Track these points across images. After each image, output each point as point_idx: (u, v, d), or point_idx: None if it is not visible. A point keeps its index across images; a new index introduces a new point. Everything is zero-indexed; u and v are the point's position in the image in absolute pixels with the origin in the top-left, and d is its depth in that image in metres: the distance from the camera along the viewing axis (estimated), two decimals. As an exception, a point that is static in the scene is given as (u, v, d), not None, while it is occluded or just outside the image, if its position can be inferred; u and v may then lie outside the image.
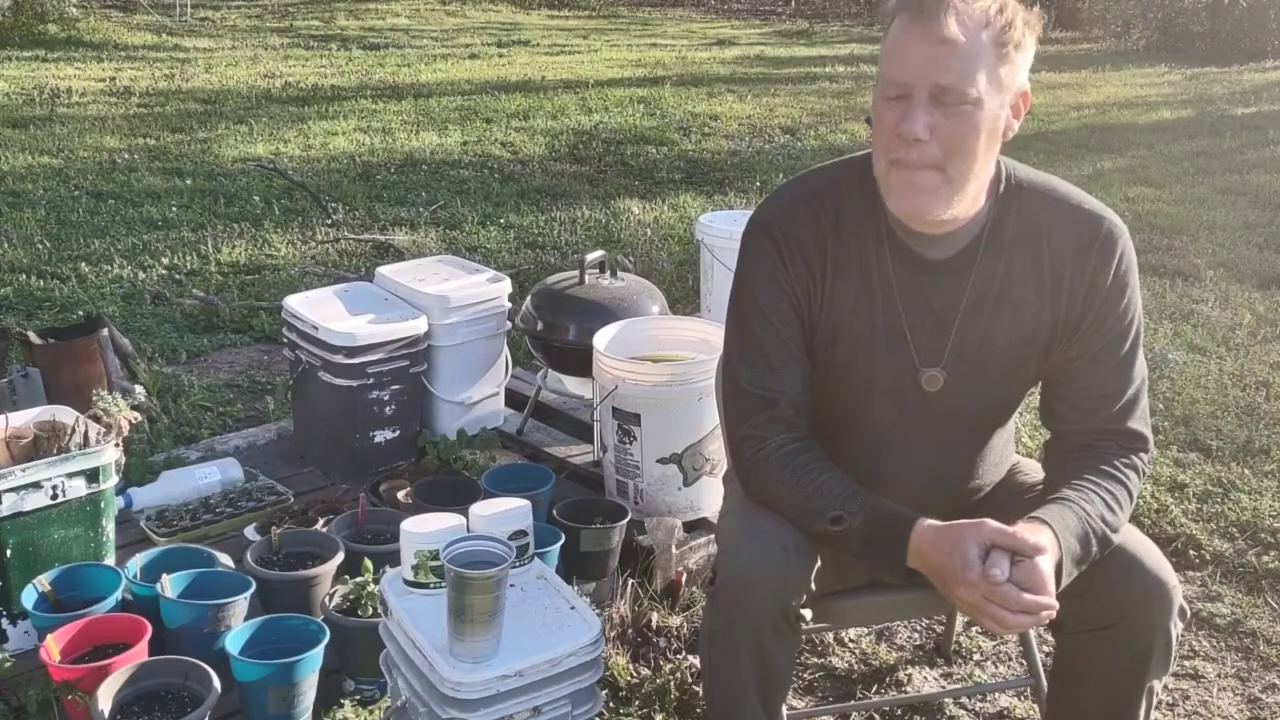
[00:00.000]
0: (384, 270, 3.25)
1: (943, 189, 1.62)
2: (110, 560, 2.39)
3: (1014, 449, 2.00)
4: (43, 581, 2.19)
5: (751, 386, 1.76)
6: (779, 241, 1.75)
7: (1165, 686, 2.43)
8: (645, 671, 2.40)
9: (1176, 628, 1.71)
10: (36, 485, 2.23)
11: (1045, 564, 1.55)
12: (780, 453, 1.75)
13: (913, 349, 1.75)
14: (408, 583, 1.89)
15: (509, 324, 3.24)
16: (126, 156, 7.04)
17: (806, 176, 1.82)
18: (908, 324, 1.74)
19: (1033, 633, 2.25)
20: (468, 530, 1.89)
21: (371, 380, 2.95)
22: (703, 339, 2.87)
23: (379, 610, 2.06)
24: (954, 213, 1.65)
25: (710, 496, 2.77)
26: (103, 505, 2.35)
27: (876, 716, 2.39)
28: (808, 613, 1.76)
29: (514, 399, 3.36)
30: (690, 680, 2.36)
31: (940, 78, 1.57)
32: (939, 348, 1.75)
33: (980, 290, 1.72)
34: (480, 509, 1.91)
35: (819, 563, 1.75)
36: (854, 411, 1.82)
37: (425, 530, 1.88)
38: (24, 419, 2.43)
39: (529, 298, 3.24)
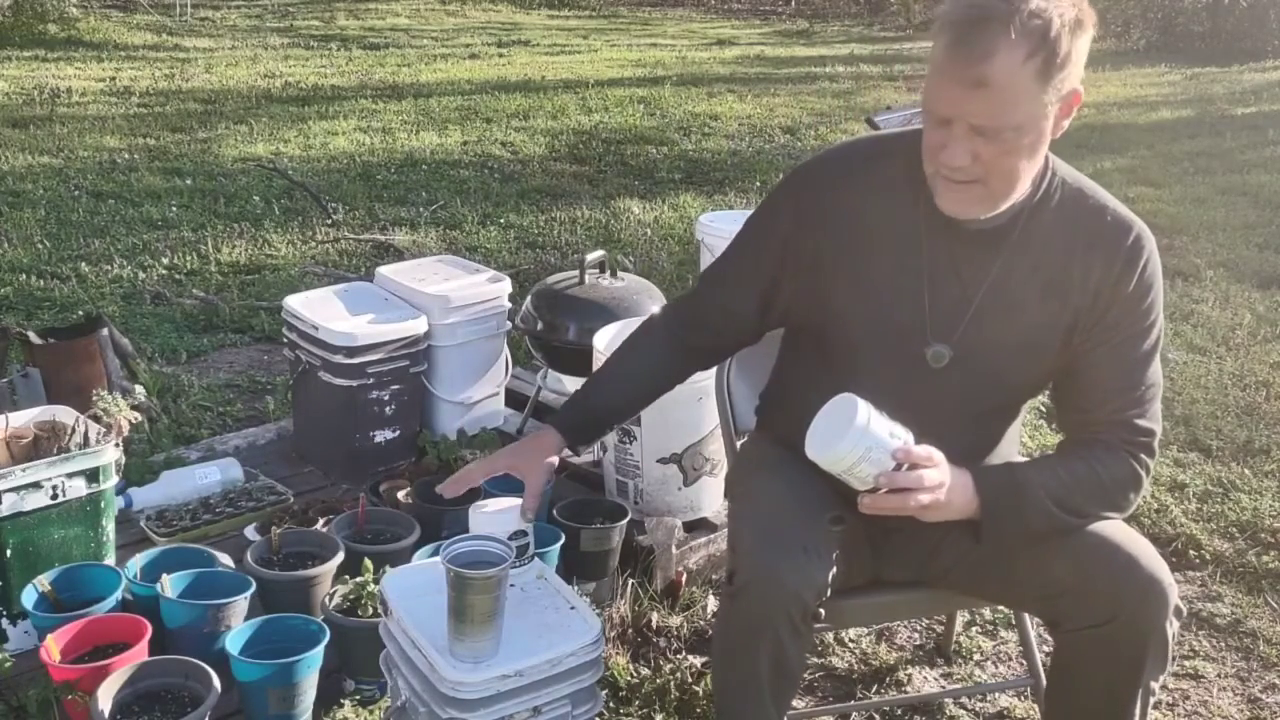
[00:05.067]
0: (384, 270, 3.25)
1: (987, 198, 1.67)
2: (110, 560, 2.39)
3: (1018, 450, 2.00)
4: (43, 581, 2.19)
5: (699, 284, 2.01)
6: (801, 201, 1.83)
7: (1164, 686, 2.43)
8: (645, 671, 2.40)
9: (1172, 626, 1.71)
10: (36, 485, 2.23)
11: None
12: (643, 325, 2.02)
13: (928, 318, 1.75)
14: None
15: (509, 324, 3.25)
16: (126, 156, 7.04)
17: (859, 140, 1.91)
18: (930, 290, 1.75)
19: (1033, 632, 2.25)
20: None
21: (371, 380, 2.95)
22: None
23: (379, 610, 2.06)
24: (1000, 208, 1.69)
25: (710, 496, 2.77)
26: (103, 505, 2.35)
27: (876, 716, 2.39)
28: (823, 611, 1.76)
29: (514, 399, 3.36)
30: (690, 680, 2.36)
31: (977, 119, 1.57)
32: (955, 320, 1.75)
33: (1010, 266, 1.73)
34: (480, 508, 1.91)
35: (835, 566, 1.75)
36: (861, 385, 1.81)
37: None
38: (24, 419, 2.43)
39: (529, 298, 3.24)
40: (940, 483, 1.64)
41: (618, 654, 2.41)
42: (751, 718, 1.78)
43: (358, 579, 2.22)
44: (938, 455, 1.65)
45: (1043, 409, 3.54)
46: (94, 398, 2.42)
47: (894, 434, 1.62)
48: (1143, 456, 1.76)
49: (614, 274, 3.24)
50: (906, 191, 1.76)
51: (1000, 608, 2.63)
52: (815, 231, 1.80)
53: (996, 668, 2.58)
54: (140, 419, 2.53)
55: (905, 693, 2.46)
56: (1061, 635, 1.81)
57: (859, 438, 1.59)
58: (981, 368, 1.77)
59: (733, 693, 1.80)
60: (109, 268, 4.96)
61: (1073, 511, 1.72)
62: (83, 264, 4.98)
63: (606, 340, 2.80)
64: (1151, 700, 1.77)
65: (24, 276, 4.79)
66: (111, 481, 2.35)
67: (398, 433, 3.04)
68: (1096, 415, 1.77)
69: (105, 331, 3.29)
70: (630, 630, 2.48)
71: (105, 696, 1.90)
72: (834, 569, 1.72)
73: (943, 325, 1.76)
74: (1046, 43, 1.53)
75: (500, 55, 12.42)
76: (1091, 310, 1.73)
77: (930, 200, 1.74)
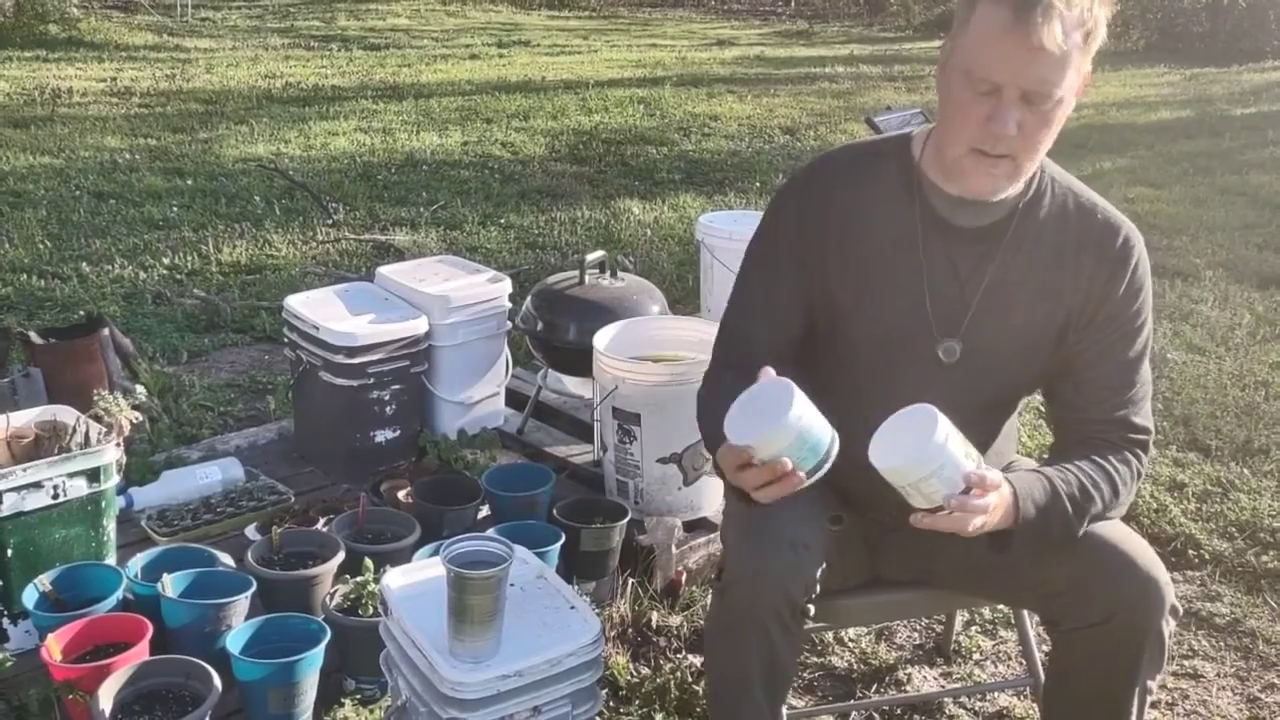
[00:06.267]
0: (384, 270, 3.26)
1: (1014, 174, 1.69)
2: (111, 560, 2.39)
3: (1016, 447, 2.01)
4: (44, 581, 2.20)
5: (730, 326, 1.89)
6: (802, 204, 1.83)
7: (1163, 685, 2.43)
8: (645, 671, 2.40)
9: (1169, 626, 1.72)
10: (37, 485, 2.23)
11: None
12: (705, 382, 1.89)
13: (931, 317, 1.77)
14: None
15: (509, 324, 3.25)
16: (128, 156, 7.04)
17: (850, 145, 1.92)
18: (929, 289, 1.76)
19: (1032, 631, 2.25)
20: None
21: (372, 380, 2.96)
22: (703, 339, 2.86)
23: (379, 610, 2.07)
24: (1017, 187, 1.71)
25: (710, 496, 2.77)
26: (104, 505, 2.35)
27: (876, 716, 2.39)
28: (812, 608, 1.77)
29: (514, 399, 3.37)
30: (690, 679, 2.36)
31: (1032, 84, 1.59)
32: (956, 319, 1.77)
33: (1004, 266, 1.75)
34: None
35: (825, 563, 1.75)
36: (870, 383, 1.82)
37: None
38: (25, 419, 2.43)
39: (529, 298, 3.25)
40: (997, 504, 1.60)
41: (618, 654, 2.41)
42: (744, 714, 1.78)
43: (358, 579, 2.23)
44: (1000, 478, 1.61)
45: (1042, 409, 3.54)
46: (95, 397, 2.42)
47: (968, 454, 1.56)
48: (1141, 454, 1.78)
49: (614, 274, 3.25)
50: (902, 192, 1.77)
51: (999, 607, 2.63)
52: (818, 235, 1.81)
53: (996, 667, 2.58)
54: (141, 419, 2.54)
55: (905, 692, 2.46)
56: (1060, 634, 1.81)
57: (936, 454, 1.52)
58: (984, 364, 1.79)
59: (724, 689, 1.81)
60: (110, 268, 4.96)
61: (1087, 521, 1.72)
62: (84, 264, 4.98)
63: (606, 340, 2.80)
64: (1149, 699, 1.78)
65: (25, 276, 4.79)
66: (112, 481, 2.35)
67: (398, 432, 3.05)
68: (1092, 414, 1.78)
69: (106, 331, 3.29)
70: (630, 630, 2.49)
71: (106, 696, 1.90)
72: (823, 566, 1.73)
73: (945, 323, 1.78)
74: (1089, 14, 1.58)
75: (500, 56, 12.43)
76: (1084, 310, 1.75)
77: (925, 200, 1.76)
